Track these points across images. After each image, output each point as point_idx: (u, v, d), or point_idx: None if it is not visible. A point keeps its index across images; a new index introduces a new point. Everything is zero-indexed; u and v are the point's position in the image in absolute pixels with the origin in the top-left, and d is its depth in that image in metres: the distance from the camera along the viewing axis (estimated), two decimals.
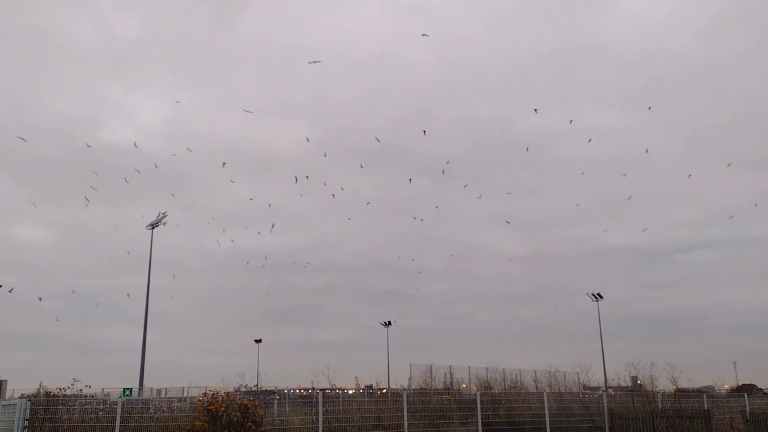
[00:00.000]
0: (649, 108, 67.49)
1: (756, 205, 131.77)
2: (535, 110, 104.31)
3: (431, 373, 39.27)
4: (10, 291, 55.13)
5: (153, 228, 66.66)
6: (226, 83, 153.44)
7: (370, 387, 74.57)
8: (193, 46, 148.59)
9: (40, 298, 64.27)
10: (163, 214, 67.95)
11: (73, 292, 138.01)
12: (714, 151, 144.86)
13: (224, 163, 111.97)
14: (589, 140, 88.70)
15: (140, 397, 44.19)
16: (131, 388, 46.17)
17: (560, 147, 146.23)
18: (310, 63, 54.45)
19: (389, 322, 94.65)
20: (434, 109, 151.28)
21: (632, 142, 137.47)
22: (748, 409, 28.86)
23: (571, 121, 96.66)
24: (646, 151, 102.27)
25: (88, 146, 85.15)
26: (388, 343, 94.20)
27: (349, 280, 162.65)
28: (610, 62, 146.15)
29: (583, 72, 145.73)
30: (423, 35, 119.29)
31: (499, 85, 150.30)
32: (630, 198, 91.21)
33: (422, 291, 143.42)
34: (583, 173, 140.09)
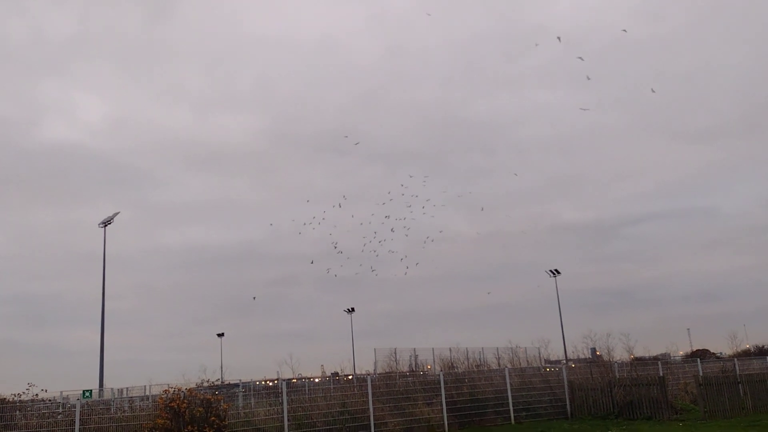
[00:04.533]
0: (588, 78, 68.73)
1: None
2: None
3: (396, 357, 39.46)
4: None
5: (105, 226, 65.01)
6: (169, 77, 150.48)
7: (335, 374, 74.90)
8: (131, 41, 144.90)
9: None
10: (115, 213, 66.34)
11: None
12: (657, 126, 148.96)
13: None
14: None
15: (101, 398, 43.31)
16: (91, 390, 45.15)
17: (511, 128, 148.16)
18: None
19: (352, 309, 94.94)
20: (382, 96, 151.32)
21: (580, 121, 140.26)
22: (701, 374, 29.93)
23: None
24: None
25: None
26: (352, 329, 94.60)
27: (309, 269, 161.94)
28: (553, 43, 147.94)
29: (527, 53, 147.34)
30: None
31: (445, 70, 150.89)
32: (579, 175, 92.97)
33: (384, 276, 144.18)
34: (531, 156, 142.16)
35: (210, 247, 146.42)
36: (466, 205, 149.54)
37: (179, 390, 19.94)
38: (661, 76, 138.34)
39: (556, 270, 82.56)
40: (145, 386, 47.40)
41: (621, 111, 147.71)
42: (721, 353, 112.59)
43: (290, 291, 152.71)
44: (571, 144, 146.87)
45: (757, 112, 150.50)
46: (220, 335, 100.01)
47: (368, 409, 22.58)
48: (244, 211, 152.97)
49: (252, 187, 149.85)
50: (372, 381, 23.95)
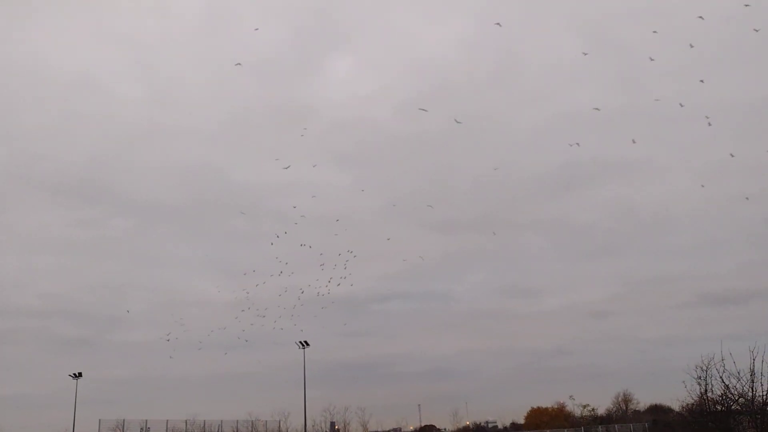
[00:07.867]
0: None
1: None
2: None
3: (123, 429, 36.53)
4: None
5: None
6: None
7: None
8: None
9: None
10: None
11: None
12: (409, 214, 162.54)
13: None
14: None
15: None
16: None
17: (273, 199, 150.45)
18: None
19: (79, 374, 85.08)
20: (144, 147, 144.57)
21: (342, 199, 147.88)
22: None
23: None
24: None
25: None
26: (76, 397, 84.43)
27: (33, 326, 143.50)
28: (322, 124, 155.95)
29: (296, 130, 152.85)
30: None
31: (212, 133, 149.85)
32: (339, 250, 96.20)
33: (122, 339, 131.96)
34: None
35: None
36: (222, 270, 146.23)
37: None
38: (415, 169, 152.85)
39: (305, 342, 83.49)
40: None
41: (378, 195, 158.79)
42: (445, 429, 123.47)
43: (7, 349, 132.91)
44: (332, 219, 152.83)
45: (490, 212, 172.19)
46: None
47: None
48: None
49: None
50: None
